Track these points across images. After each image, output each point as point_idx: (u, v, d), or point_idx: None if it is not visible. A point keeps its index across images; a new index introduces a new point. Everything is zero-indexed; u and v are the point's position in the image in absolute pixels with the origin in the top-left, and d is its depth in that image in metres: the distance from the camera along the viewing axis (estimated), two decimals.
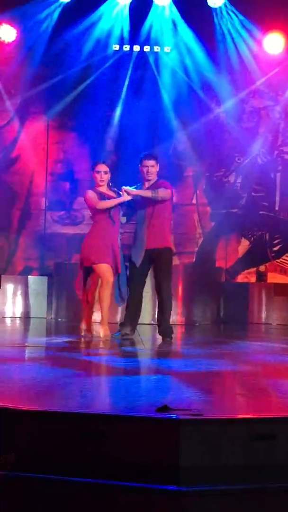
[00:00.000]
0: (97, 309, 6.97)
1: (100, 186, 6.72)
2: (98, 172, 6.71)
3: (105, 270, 6.51)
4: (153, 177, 6.72)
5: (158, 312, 6.71)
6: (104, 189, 6.73)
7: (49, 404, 3.39)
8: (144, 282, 6.82)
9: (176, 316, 9.29)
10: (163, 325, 6.63)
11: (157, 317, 6.85)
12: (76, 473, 2.92)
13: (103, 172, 6.69)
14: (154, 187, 6.66)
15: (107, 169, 6.74)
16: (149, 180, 6.71)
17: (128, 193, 6.55)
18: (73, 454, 2.99)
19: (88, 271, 6.67)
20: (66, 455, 3.00)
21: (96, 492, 2.88)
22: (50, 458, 3.00)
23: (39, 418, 3.13)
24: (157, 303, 6.93)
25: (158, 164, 6.79)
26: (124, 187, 6.61)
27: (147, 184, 6.72)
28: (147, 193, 6.60)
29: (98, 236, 6.61)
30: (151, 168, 6.69)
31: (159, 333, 6.66)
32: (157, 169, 6.76)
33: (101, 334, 6.52)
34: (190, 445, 2.90)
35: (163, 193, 6.59)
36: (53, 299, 9.85)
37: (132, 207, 6.78)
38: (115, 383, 4.27)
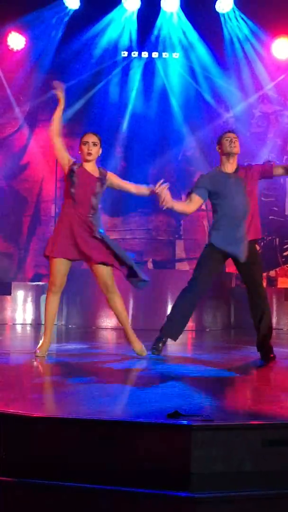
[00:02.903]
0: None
1: (87, 161, 5.55)
2: (85, 143, 5.57)
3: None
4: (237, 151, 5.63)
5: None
6: (89, 166, 5.57)
7: (61, 411, 3.39)
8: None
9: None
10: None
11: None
12: (87, 480, 2.92)
13: (91, 143, 5.55)
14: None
15: (96, 140, 5.57)
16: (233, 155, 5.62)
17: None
18: (84, 461, 2.99)
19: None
20: (77, 462, 3.00)
21: (106, 499, 2.87)
22: (62, 465, 3.00)
23: (50, 425, 3.13)
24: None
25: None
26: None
27: (232, 162, 5.66)
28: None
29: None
30: (235, 140, 5.62)
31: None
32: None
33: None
34: (202, 451, 2.90)
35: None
36: (64, 305, 9.86)
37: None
38: (126, 389, 4.27)
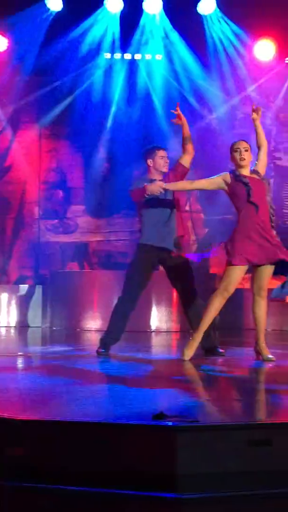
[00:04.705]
0: None
1: (242, 167, 5.64)
2: (237, 150, 5.66)
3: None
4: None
5: None
6: (247, 171, 5.68)
7: (45, 413, 3.38)
8: None
9: (171, 323, 9.29)
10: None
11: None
12: (72, 482, 2.91)
13: (243, 149, 5.64)
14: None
15: (247, 146, 5.68)
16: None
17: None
18: (68, 463, 2.99)
19: None
20: (62, 464, 3.00)
21: (92, 501, 2.87)
22: (47, 467, 3.00)
23: (35, 428, 3.12)
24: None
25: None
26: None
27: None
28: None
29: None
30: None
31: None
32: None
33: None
34: (187, 452, 2.90)
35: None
36: (48, 307, 9.84)
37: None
38: (111, 391, 4.27)
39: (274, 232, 5.54)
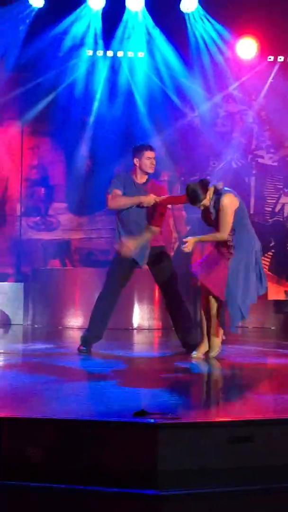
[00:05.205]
0: None
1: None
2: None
3: None
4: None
5: None
6: None
7: (26, 411, 3.37)
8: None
9: (153, 321, 9.30)
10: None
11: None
12: (53, 480, 2.91)
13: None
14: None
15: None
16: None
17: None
18: (50, 461, 2.98)
19: None
20: (44, 462, 2.99)
21: (73, 498, 2.86)
22: (28, 465, 2.99)
23: (16, 425, 3.11)
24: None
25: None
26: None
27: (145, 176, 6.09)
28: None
29: None
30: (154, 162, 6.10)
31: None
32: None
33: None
34: (168, 449, 2.91)
35: None
36: (30, 305, 9.80)
37: None
38: (93, 389, 4.27)
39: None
